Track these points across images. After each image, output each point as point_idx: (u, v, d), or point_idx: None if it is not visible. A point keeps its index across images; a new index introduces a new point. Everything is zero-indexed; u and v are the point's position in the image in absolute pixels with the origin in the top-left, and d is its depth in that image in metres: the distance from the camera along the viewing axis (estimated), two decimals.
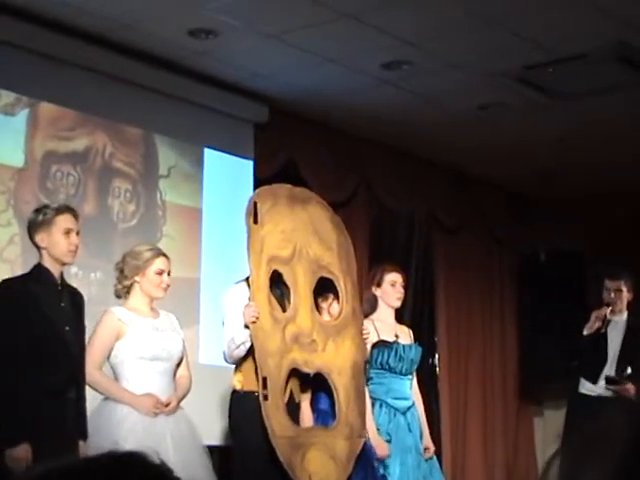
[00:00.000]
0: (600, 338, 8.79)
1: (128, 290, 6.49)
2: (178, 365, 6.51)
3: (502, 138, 10.84)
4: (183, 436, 6.29)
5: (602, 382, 8.69)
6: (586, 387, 8.79)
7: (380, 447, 7.10)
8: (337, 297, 7.05)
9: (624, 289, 8.92)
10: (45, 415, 5.67)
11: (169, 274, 6.56)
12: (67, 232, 5.98)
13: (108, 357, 6.33)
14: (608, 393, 8.59)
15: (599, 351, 8.76)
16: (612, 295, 8.91)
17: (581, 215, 12.50)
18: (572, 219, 12.60)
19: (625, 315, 8.93)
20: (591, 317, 8.89)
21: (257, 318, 6.50)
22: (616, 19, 8.13)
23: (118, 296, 6.55)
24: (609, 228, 12.35)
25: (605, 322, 8.84)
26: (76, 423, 5.88)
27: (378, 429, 7.17)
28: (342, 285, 7.06)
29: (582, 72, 9.12)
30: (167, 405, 6.27)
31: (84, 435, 5.91)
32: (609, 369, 8.72)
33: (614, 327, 8.88)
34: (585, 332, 8.86)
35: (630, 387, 8.43)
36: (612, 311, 8.88)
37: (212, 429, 8.24)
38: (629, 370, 8.60)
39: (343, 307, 7.02)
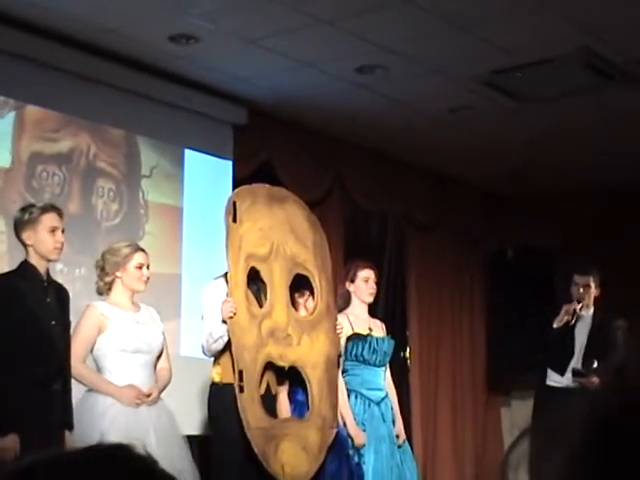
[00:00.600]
0: (568, 332, 8.82)
1: (110, 286, 6.52)
2: (159, 357, 6.53)
3: (474, 140, 10.85)
4: (164, 426, 6.31)
5: (569, 374, 8.73)
6: (553, 379, 8.82)
7: (358, 436, 7.15)
8: (312, 293, 7.08)
9: (592, 285, 8.95)
10: (32, 406, 5.69)
11: (148, 268, 6.60)
12: (52, 230, 6.00)
13: (91, 350, 6.35)
14: (574, 385, 8.62)
15: (566, 344, 8.78)
16: (581, 290, 8.94)
17: (551, 214, 12.55)
18: (542, 217, 12.65)
19: (592, 310, 8.96)
20: (561, 311, 8.93)
21: (234, 313, 6.53)
22: (580, 26, 8.17)
23: (100, 293, 6.57)
24: (578, 226, 12.42)
25: (574, 316, 8.87)
26: (62, 414, 5.89)
27: (355, 419, 7.22)
28: (317, 282, 7.08)
29: (548, 77, 9.14)
30: (148, 396, 6.29)
31: (70, 425, 5.92)
32: (576, 362, 8.74)
33: (581, 322, 8.89)
34: (555, 325, 8.86)
35: (595, 380, 8.47)
36: (581, 307, 8.93)
37: (192, 419, 8.25)
38: (595, 364, 8.64)
39: (318, 303, 7.05)
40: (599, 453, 0.80)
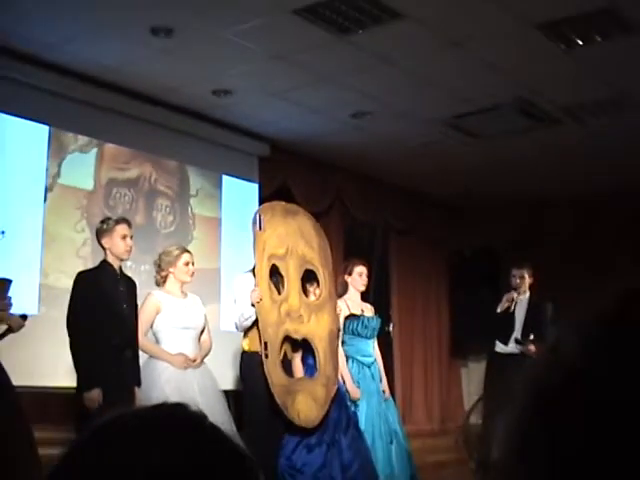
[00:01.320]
0: (510, 313, 8.83)
1: (164, 279, 6.51)
2: (202, 332, 6.53)
3: (439, 166, 10.83)
4: (206, 383, 6.28)
5: (512, 344, 8.72)
6: (499, 347, 8.81)
7: (354, 391, 7.13)
8: (318, 283, 7.10)
9: (526, 275, 8.94)
10: (111, 368, 5.68)
11: (193, 264, 6.58)
12: (124, 237, 6.00)
13: (151, 326, 6.38)
14: (516, 351, 8.62)
15: (509, 322, 8.77)
16: (517, 281, 8.93)
17: (496, 220, 12.58)
18: (490, 224, 12.67)
19: (528, 294, 8.95)
20: (503, 298, 8.92)
21: (260, 299, 6.54)
22: (518, 82, 8.22)
23: (157, 284, 6.55)
24: (517, 229, 12.45)
25: (513, 303, 8.87)
26: (132, 374, 5.89)
27: (351, 378, 7.23)
28: (322, 274, 7.07)
29: (494, 120, 9.19)
30: (194, 361, 6.28)
31: (139, 383, 5.92)
32: (517, 334, 8.74)
33: (520, 304, 8.88)
34: (498, 310, 8.88)
35: (532, 347, 8.48)
36: (518, 293, 8.92)
37: (228, 378, 8.27)
38: (532, 336, 8.63)
39: (322, 291, 7.05)
40: (537, 423, 0.76)
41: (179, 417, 0.97)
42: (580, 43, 7.30)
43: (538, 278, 9.02)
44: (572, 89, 8.32)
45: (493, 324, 8.97)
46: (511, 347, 8.68)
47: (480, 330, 9.52)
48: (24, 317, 5.65)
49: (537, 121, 9.22)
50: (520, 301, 8.89)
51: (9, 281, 5.71)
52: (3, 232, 5.69)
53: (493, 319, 8.96)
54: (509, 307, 8.81)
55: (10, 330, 5.63)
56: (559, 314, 8.76)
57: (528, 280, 8.92)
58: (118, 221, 6.12)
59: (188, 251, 6.68)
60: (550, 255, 11.72)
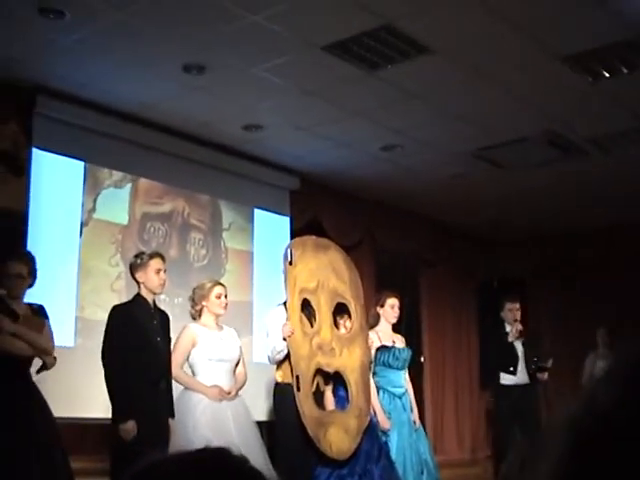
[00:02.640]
0: (510, 344, 8.67)
1: (199, 312, 6.49)
2: (237, 364, 6.49)
3: (467, 197, 10.84)
4: (240, 415, 6.24)
5: (520, 374, 8.54)
6: (506, 379, 8.59)
7: (384, 422, 7.09)
8: (349, 316, 7.06)
9: (519, 307, 8.81)
10: (145, 400, 5.66)
11: (226, 297, 6.55)
12: (158, 271, 5.97)
13: (187, 359, 6.36)
14: (525, 381, 8.49)
15: (512, 352, 8.62)
16: (514, 313, 8.71)
17: (525, 251, 12.53)
18: (518, 254, 12.62)
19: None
20: (512, 330, 8.72)
21: (292, 333, 6.51)
22: (545, 114, 8.19)
23: (193, 318, 6.53)
24: (545, 260, 12.38)
25: (520, 334, 8.74)
26: (166, 406, 5.86)
27: (383, 409, 7.18)
28: (353, 307, 7.03)
29: (521, 151, 9.16)
30: (229, 393, 6.23)
31: (172, 415, 5.89)
32: (521, 363, 8.58)
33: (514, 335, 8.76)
34: (510, 340, 8.69)
35: (545, 374, 8.44)
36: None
37: (261, 409, 8.25)
38: (550, 361, 8.55)
39: (354, 324, 7.01)
40: (577, 472, 0.77)
41: (221, 462, 0.95)
42: (606, 75, 7.27)
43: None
44: (599, 120, 8.28)
45: (497, 356, 8.80)
46: (519, 377, 8.55)
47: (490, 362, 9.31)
48: (54, 357, 5.76)
49: (564, 152, 9.17)
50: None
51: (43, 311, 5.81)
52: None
53: (497, 351, 8.81)
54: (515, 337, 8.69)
55: (45, 367, 5.71)
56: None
57: (519, 312, 8.79)
58: (152, 255, 6.09)
59: (221, 284, 6.66)
60: (578, 286, 11.64)
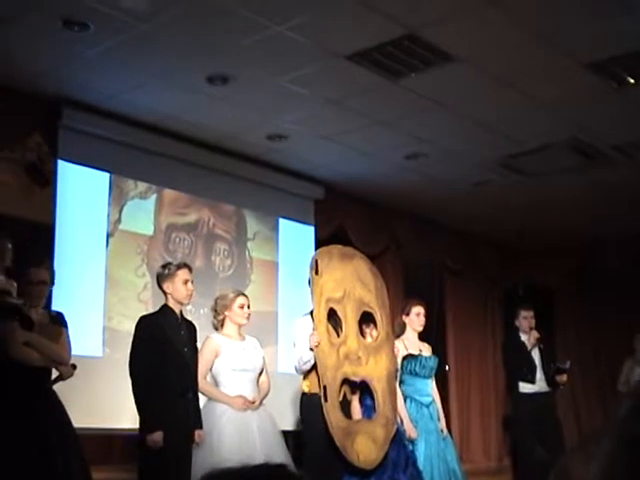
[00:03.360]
0: (528, 352, 8.60)
1: (222, 322, 6.45)
2: (260, 374, 6.46)
3: (492, 206, 10.80)
4: (265, 425, 6.21)
5: (540, 382, 8.47)
6: (526, 387, 8.52)
7: (411, 430, 7.05)
8: (375, 325, 7.03)
9: (533, 314, 8.74)
10: (173, 410, 5.65)
11: (249, 307, 6.50)
12: (185, 282, 5.94)
13: (210, 369, 6.34)
14: (544, 389, 8.42)
15: (530, 360, 8.56)
16: (529, 321, 8.64)
17: (550, 258, 12.47)
18: (543, 262, 12.57)
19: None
20: (530, 338, 8.65)
21: (319, 343, 6.47)
22: (569, 122, 8.15)
23: (215, 328, 6.48)
24: (571, 267, 12.33)
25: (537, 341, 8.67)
26: (194, 416, 5.83)
27: (410, 418, 7.15)
28: (379, 316, 6.98)
29: (547, 159, 9.11)
30: (253, 403, 6.18)
31: (200, 425, 5.85)
32: (539, 372, 8.52)
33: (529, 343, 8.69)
34: (529, 348, 8.62)
35: (565, 377, 8.39)
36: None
37: (287, 419, 8.24)
38: (568, 362, 8.48)
39: (380, 332, 6.97)
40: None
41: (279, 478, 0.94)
42: (631, 81, 7.23)
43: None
44: (624, 126, 8.24)
45: (515, 365, 8.72)
46: (539, 385, 8.49)
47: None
48: (74, 366, 5.68)
49: (589, 159, 9.13)
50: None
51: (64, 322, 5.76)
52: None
53: (514, 360, 8.73)
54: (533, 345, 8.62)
55: (60, 377, 5.63)
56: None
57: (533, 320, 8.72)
58: (179, 266, 6.06)
59: (243, 294, 6.63)
60: (606, 294, 11.57)
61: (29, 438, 5.17)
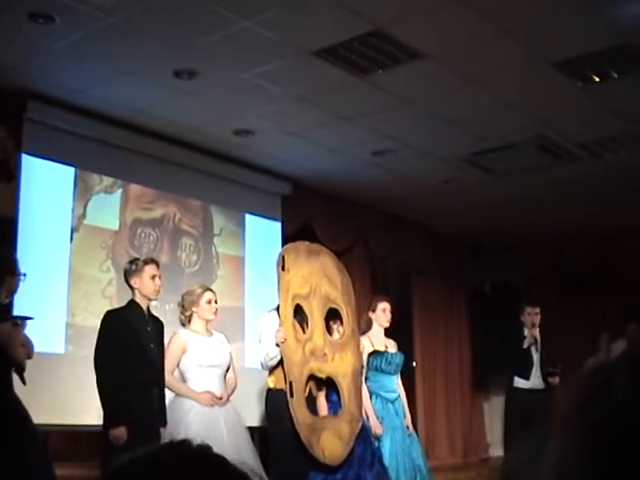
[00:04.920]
0: (527, 349, 8.67)
1: (189, 318, 6.46)
2: (227, 370, 6.47)
3: (459, 203, 10.86)
4: (232, 420, 6.22)
5: (535, 378, 8.55)
6: (520, 382, 8.63)
7: (377, 427, 7.08)
8: (342, 321, 7.05)
9: (539, 311, 8.79)
10: (137, 406, 5.64)
11: (216, 302, 6.51)
12: (153, 277, 5.95)
13: (177, 365, 6.34)
14: (538, 386, 8.48)
15: (529, 357, 8.63)
16: (533, 317, 8.73)
17: (516, 256, 12.54)
18: (509, 259, 12.64)
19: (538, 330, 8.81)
20: (527, 336, 8.72)
21: (285, 339, 6.49)
22: (536, 119, 8.21)
23: (182, 324, 6.50)
24: (537, 265, 12.40)
25: (535, 339, 8.73)
26: (158, 413, 5.83)
27: (375, 414, 7.18)
28: (345, 313, 7.02)
29: (513, 157, 9.17)
30: (220, 399, 6.21)
31: (164, 422, 5.86)
32: (536, 368, 8.60)
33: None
34: (525, 346, 8.67)
35: (557, 379, 8.42)
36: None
37: (253, 415, 8.24)
38: (559, 366, 8.54)
39: (346, 329, 7.01)
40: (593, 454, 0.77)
41: (182, 451, 0.97)
42: (596, 80, 7.29)
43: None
44: (589, 125, 8.31)
45: (513, 360, 8.82)
46: (533, 382, 8.55)
47: (501, 365, 9.37)
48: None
49: (555, 157, 9.20)
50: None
51: (26, 319, 5.72)
52: (24, 274, 5.63)
53: (513, 355, 8.82)
54: (531, 343, 8.68)
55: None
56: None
57: (538, 317, 8.77)
58: (147, 261, 6.08)
59: (210, 289, 6.65)
60: (573, 292, 11.65)
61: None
